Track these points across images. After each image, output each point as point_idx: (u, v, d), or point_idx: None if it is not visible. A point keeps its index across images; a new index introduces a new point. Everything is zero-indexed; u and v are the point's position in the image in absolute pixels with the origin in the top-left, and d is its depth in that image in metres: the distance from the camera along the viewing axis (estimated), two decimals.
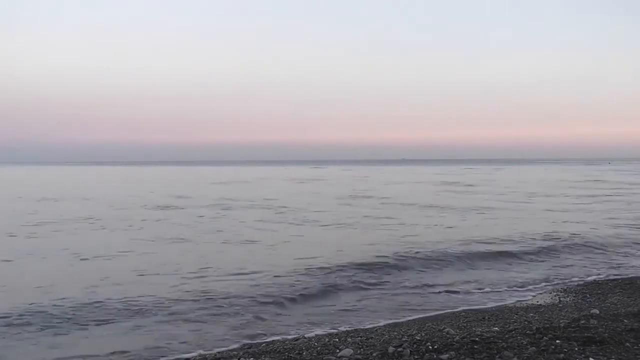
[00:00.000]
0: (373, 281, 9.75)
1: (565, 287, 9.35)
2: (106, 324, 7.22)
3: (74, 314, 7.53)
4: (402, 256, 11.68)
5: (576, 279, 10.07)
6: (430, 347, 5.21)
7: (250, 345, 6.33)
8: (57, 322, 7.23)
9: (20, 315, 7.40)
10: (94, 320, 7.31)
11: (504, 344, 5.11)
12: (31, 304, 7.87)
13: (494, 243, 13.55)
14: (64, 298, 8.22)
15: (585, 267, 11.19)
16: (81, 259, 11.82)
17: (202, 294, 8.59)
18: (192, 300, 8.30)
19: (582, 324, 5.80)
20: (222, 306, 8.01)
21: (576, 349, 4.90)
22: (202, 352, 6.18)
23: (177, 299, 8.31)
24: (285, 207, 23.99)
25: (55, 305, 7.87)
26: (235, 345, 6.43)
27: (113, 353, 6.18)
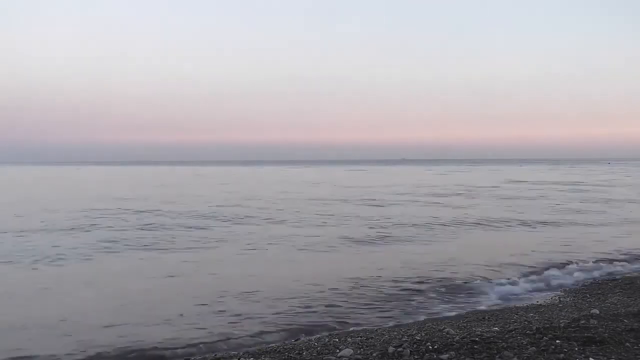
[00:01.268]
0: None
1: (565, 287, 9.35)
2: (112, 326, 7.24)
3: None
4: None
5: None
6: (430, 347, 5.20)
7: (250, 346, 6.34)
8: None
9: None
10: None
11: (504, 344, 5.11)
12: None
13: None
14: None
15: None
16: None
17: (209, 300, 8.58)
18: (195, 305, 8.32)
19: (582, 324, 5.80)
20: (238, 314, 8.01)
21: (576, 349, 4.90)
22: (202, 353, 6.18)
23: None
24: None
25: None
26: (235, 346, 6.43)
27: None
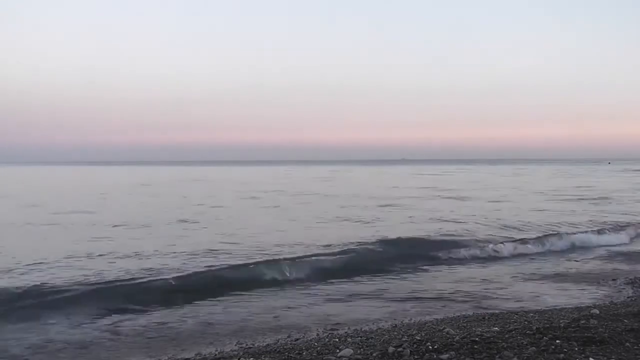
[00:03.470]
0: None
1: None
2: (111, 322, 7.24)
3: None
4: None
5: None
6: (430, 347, 5.20)
7: (250, 345, 6.33)
8: None
9: None
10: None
11: (504, 344, 5.11)
12: None
13: None
14: None
15: None
16: None
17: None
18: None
19: (582, 324, 5.80)
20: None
21: (576, 349, 4.89)
22: (201, 352, 6.18)
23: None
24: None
25: None
26: (235, 345, 6.43)
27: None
